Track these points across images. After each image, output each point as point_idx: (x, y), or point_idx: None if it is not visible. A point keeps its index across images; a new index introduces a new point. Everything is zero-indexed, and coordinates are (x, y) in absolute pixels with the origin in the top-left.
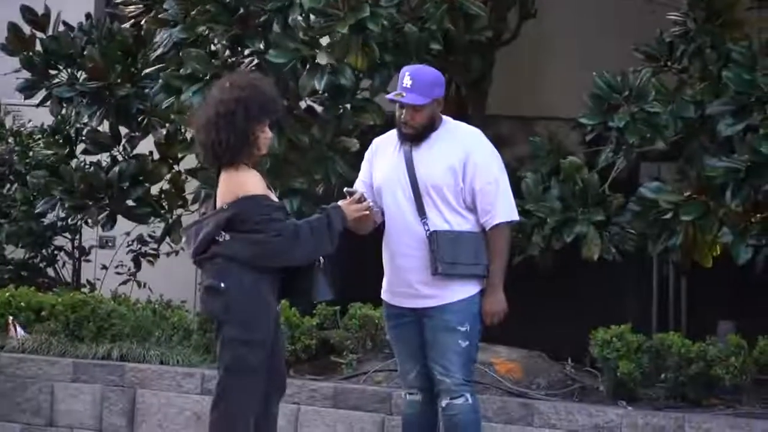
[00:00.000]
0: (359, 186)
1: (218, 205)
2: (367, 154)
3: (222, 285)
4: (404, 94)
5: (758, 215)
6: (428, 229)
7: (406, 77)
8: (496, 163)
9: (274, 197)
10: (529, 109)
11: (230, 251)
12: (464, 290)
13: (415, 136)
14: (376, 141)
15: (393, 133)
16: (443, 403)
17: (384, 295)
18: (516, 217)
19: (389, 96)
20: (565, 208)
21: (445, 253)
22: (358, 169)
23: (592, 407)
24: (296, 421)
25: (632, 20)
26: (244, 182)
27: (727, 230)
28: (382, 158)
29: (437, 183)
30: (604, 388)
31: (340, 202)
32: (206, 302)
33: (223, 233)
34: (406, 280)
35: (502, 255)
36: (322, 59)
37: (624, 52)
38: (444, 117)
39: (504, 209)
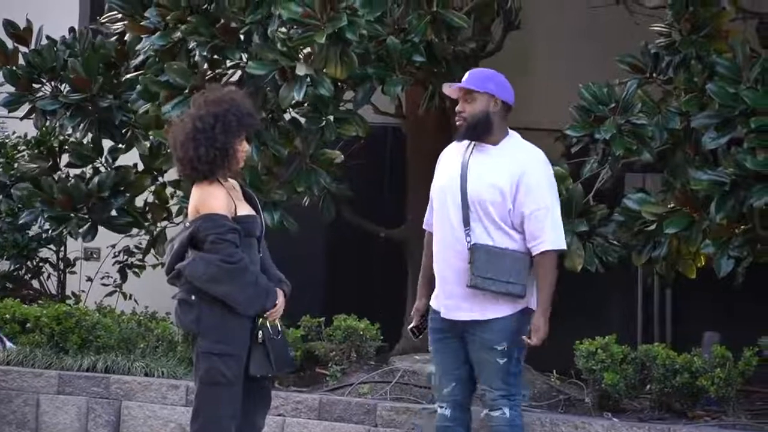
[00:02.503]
0: (430, 203)
1: (189, 221)
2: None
3: (193, 298)
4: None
5: (741, 227)
6: (470, 241)
7: (465, 74)
8: (550, 188)
9: (247, 210)
10: (513, 121)
11: (190, 269)
12: (501, 309)
13: (467, 131)
14: (446, 149)
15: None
16: (482, 413)
17: (431, 301)
18: (564, 246)
19: (447, 84)
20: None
21: (481, 267)
22: (342, 181)
23: (577, 419)
24: None
25: (617, 31)
26: (207, 199)
27: (709, 242)
28: (444, 165)
29: (483, 198)
30: (589, 399)
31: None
32: (179, 315)
33: (190, 251)
34: (448, 289)
35: (550, 281)
36: (301, 70)
37: (609, 64)
38: (512, 132)
39: (552, 237)
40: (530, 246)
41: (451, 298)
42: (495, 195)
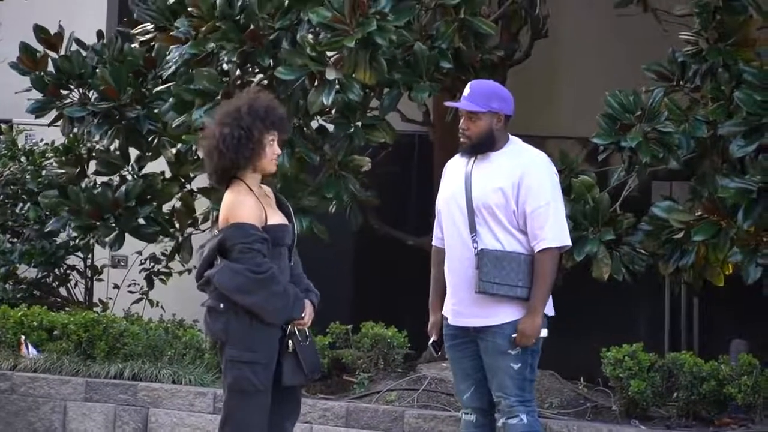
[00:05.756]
0: (437, 217)
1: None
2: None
3: (221, 306)
4: (462, 102)
5: None
6: (477, 247)
7: (467, 87)
8: (552, 187)
9: (278, 219)
10: (541, 129)
11: (218, 278)
12: (511, 312)
13: (472, 149)
14: (449, 162)
15: None
16: (500, 422)
17: (444, 310)
18: (567, 242)
19: (447, 102)
20: (576, 227)
21: (489, 273)
22: (370, 188)
23: (604, 426)
24: None
25: (644, 39)
26: (236, 207)
27: (737, 250)
28: (449, 176)
29: (488, 202)
30: (616, 407)
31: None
32: (208, 323)
33: (219, 258)
34: (457, 296)
35: (545, 279)
36: (330, 75)
37: (636, 72)
38: (512, 137)
39: (553, 234)
40: (532, 245)
41: (461, 304)
42: (499, 198)
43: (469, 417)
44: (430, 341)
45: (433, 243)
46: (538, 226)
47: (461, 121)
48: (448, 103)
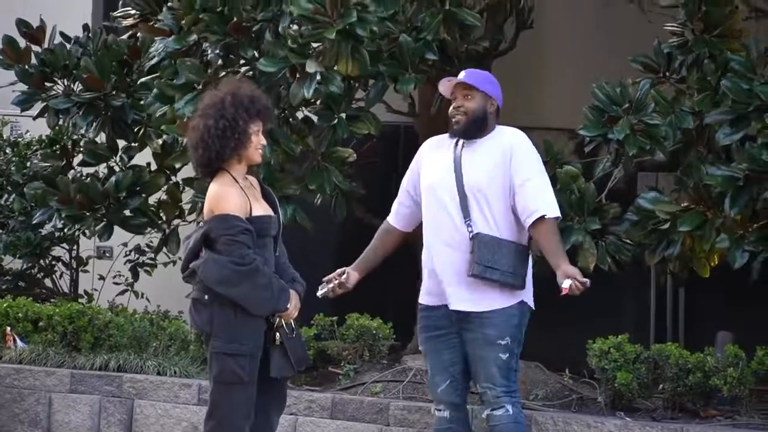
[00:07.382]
0: (402, 195)
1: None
2: (415, 158)
3: (206, 297)
4: (459, 77)
5: (755, 224)
6: (472, 231)
7: (461, 73)
8: (536, 161)
9: (263, 210)
10: (526, 119)
11: (202, 270)
12: (501, 300)
13: (466, 126)
14: (426, 143)
15: (444, 136)
16: (484, 413)
17: (421, 299)
18: (558, 213)
19: (445, 79)
20: (562, 216)
21: (484, 257)
22: (354, 179)
23: (590, 418)
24: None
25: (630, 31)
26: (220, 199)
27: (725, 236)
28: (432, 160)
29: (483, 187)
30: (602, 399)
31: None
32: (193, 315)
33: (204, 250)
34: (445, 281)
35: (558, 239)
36: (311, 67)
37: (621, 63)
38: (497, 126)
39: (546, 206)
40: (525, 219)
41: (448, 286)
42: (492, 176)
43: (442, 413)
44: (326, 278)
45: (389, 219)
46: (530, 200)
47: (455, 101)
48: (445, 80)
